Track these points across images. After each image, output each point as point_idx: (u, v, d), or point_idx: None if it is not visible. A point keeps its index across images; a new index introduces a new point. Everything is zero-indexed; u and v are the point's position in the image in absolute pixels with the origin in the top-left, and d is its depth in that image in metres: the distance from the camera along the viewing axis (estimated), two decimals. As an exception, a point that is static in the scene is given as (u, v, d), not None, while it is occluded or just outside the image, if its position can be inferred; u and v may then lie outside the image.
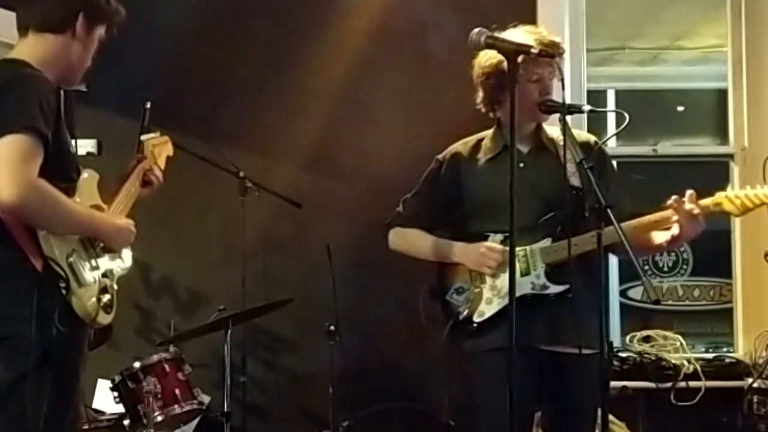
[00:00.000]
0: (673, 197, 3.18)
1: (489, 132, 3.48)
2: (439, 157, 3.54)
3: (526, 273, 3.26)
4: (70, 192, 2.80)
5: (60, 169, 2.76)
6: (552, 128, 3.39)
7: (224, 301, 4.50)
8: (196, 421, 4.40)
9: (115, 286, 2.91)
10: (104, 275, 2.85)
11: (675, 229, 3.18)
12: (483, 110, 3.44)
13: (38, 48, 2.88)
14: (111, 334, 3.85)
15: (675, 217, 3.17)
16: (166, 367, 4.10)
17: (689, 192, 3.18)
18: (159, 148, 3.35)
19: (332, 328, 4.51)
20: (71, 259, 2.71)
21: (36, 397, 2.63)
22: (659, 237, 3.25)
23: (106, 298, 2.82)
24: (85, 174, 2.91)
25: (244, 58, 5.09)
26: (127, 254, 3.03)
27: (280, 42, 5.06)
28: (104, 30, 3.01)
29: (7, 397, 2.67)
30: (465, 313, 3.35)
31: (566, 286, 3.23)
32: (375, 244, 3.72)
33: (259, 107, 5.05)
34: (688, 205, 3.15)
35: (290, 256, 4.97)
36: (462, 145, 3.52)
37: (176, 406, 4.06)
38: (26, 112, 2.64)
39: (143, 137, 3.32)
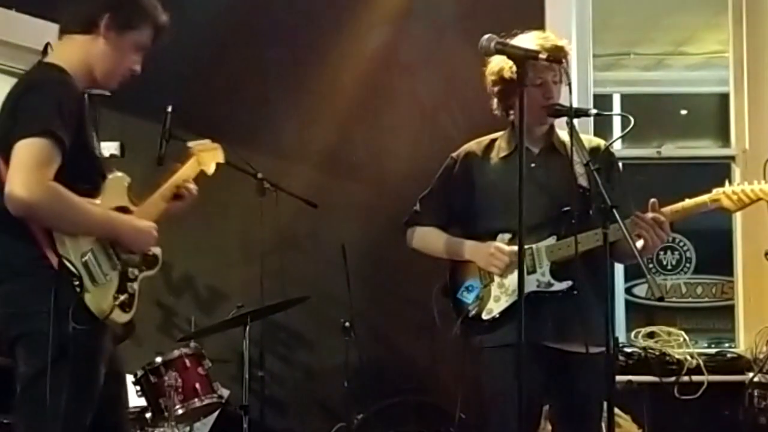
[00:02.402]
0: (635, 214, 3.19)
1: (502, 132, 3.52)
2: (454, 155, 3.57)
3: (531, 271, 3.29)
4: (94, 194, 2.82)
5: (83, 171, 2.79)
6: (564, 131, 3.41)
7: (243, 298, 4.54)
8: (216, 414, 4.43)
9: (136, 286, 2.93)
10: (124, 274, 2.88)
11: (640, 241, 3.17)
12: (499, 115, 3.49)
13: (68, 49, 2.89)
14: (134, 331, 3.98)
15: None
16: (187, 362, 4.13)
17: (652, 200, 3.22)
18: (206, 154, 3.33)
19: (347, 324, 4.54)
20: (85, 258, 2.74)
21: (54, 392, 2.63)
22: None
23: (123, 296, 2.84)
24: (112, 176, 2.93)
25: (261, 63, 5.12)
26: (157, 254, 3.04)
27: (297, 46, 5.10)
28: (148, 37, 2.98)
29: (26, 392, 2.72)
30: (474, 310, 3.39)
31: (570, 282, 3.26)
32: (388, 243, 3.74)
33: (276, 111, 5.07)
34: (649, 214, 3.19)
35: (306, 254, 5.00)
36: (476, 144, 3.55)
37: (196, 399, 4.09)
38: (44, 117, 2.66)
39: (190, 144, 3.31)
